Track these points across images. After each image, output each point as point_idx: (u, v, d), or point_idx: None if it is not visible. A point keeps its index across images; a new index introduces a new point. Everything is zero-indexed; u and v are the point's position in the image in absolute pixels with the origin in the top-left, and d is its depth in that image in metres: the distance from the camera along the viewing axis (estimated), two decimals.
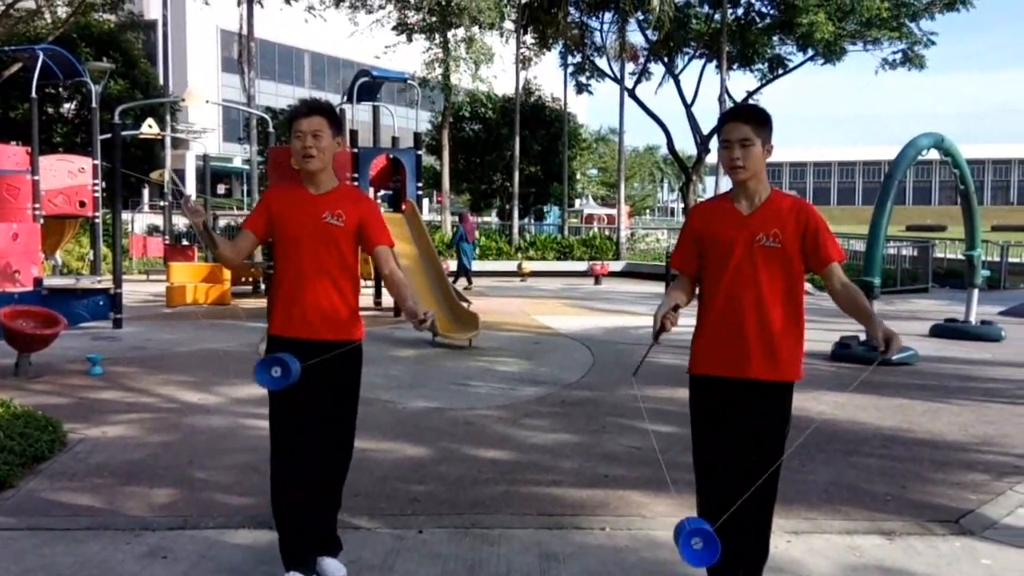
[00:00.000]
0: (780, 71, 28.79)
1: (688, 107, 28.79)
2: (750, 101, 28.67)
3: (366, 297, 13.80)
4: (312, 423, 3.46)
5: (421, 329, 3.49)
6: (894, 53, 26.91)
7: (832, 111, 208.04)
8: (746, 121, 3.11)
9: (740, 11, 27.60)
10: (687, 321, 3.14)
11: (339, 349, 3.43)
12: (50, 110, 26.85)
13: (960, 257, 15.93)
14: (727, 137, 3.11)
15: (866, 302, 3.20)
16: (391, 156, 13.23)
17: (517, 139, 27.47)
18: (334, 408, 3.51)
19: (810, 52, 27.33)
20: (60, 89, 26.20)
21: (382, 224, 3.59)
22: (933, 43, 26.39)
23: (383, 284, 4.45)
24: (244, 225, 3.58)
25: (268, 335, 3.55)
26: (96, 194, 11.40)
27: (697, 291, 3.27)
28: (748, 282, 3.07)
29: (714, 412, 3.15)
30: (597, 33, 29.31)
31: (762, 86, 29.13)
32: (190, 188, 43.46)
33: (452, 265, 19.93)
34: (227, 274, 14.69)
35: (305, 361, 3.31)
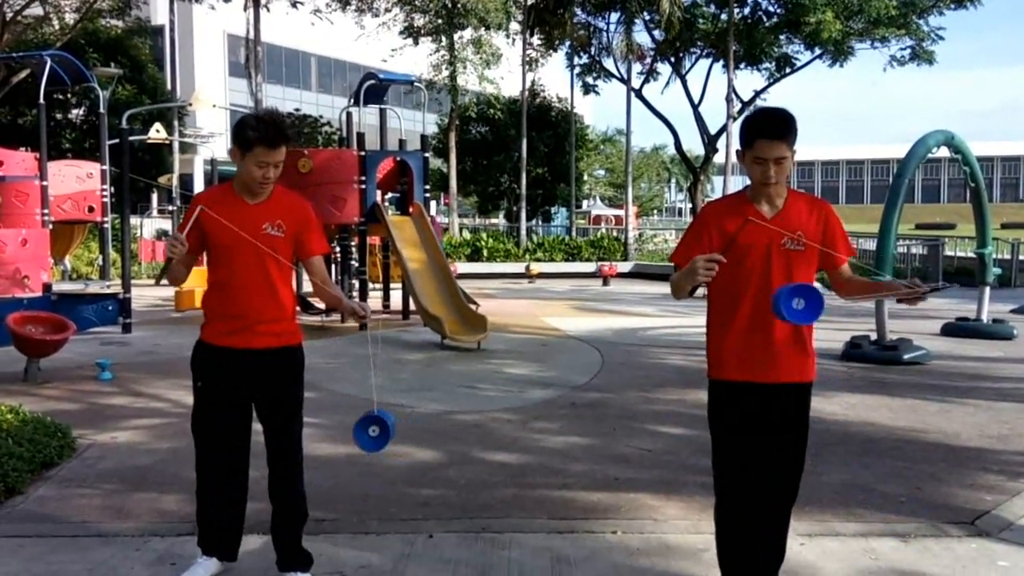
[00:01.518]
0: (787, 70, 28.70)
1: (695, 107, 28.74)
2: (757, 101, 28.62)
3: (374, 300, 13.79)
4: (243, 435, 3.52)
5: (360, 323, 3.54)
6: (902, 50, 26.84)
7: (839, 109, 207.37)
8: (783, 139, 2.99)
9: (747, 10, 27.53)
10: (692, 321, 3.10)
11: (278, 355, 3.45)
12: (58, 116, 26.98)
13: (971, 255, 15.85)
14: (762, 155, 2.99)
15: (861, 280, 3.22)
16: (398, 159, 13.22)
17: (524, 140, 27.45)
18: (280, 419, 3.51)
19: (817, 51, 27.24)
20: (68, 95, 26.33)
21: (319, 232, 3.57)
22: (941, 39, 26.33)
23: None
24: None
25: (199, 341, 3.52)
26: (105, 199, 11.42)
27: (705, 292, 3.20)
28: (775, 286, 2.98)
29: (742, 417, 3.09)
30: (603, 34, 29.28)
31: (769, 85, 29.06)
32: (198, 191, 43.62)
33: (460, 268, 19.93)
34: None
35: (244, 369, 3.38)
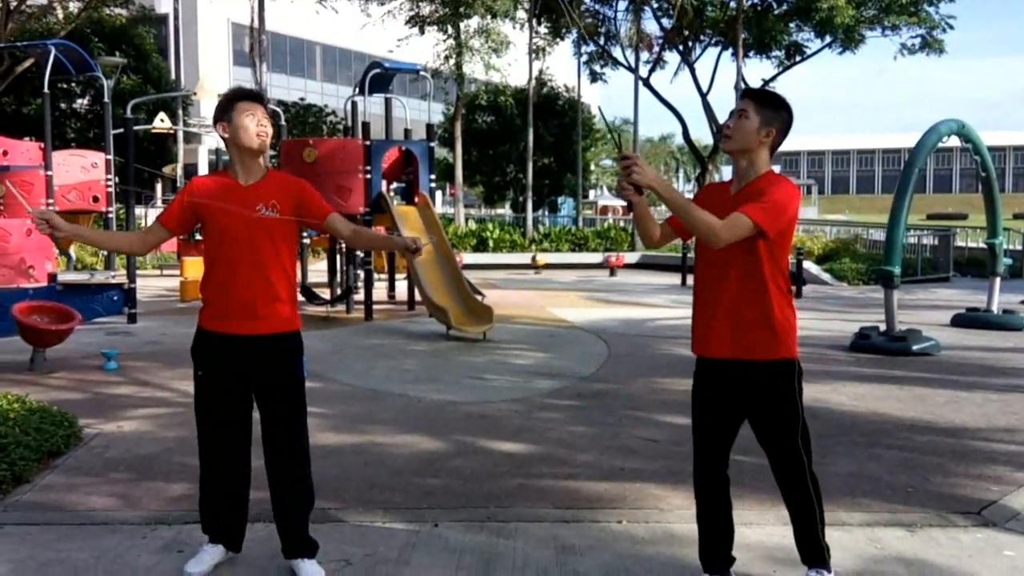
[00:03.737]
0: (798, 58, 28.52)
1: (704, 96, 28.58)
2: (767, 88, 28.47)
3: (379, 291, 13.79)
4: (244, 423, 3.53)
5: (415, 256, 3.56)
6: (912, 38, 26.64)
7: (849, 98, 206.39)
8: (750, 96, 3.21)
9: None
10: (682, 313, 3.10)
11: (275, 340, 3.43)
12: (63, 105, 27.00)
13: (981, 245, 15.77)
14: (732, 111, 3.24)
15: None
16: (404, 148, 13.19)
17: (531, 130, 27.36)
18: (278, 405, 3.49)
19: (828, 39, 27.06)
20: (73, 85, 26.34)
21: (319, 198, 3.56)
22: (952, 27, 26.11)
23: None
24: (159, 219, 3.54)
25: (198, 328, 3.52)
26: (109, 189, 11.41)
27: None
28: (720, 263, 3.14)
29: (704, 389, 3.31)
30: (611, 22, 29.14)
31: (779, 73, 28.89)
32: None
33: (466, 258, 19.90)
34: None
35: (243, 356, 3.38)
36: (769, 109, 3.15)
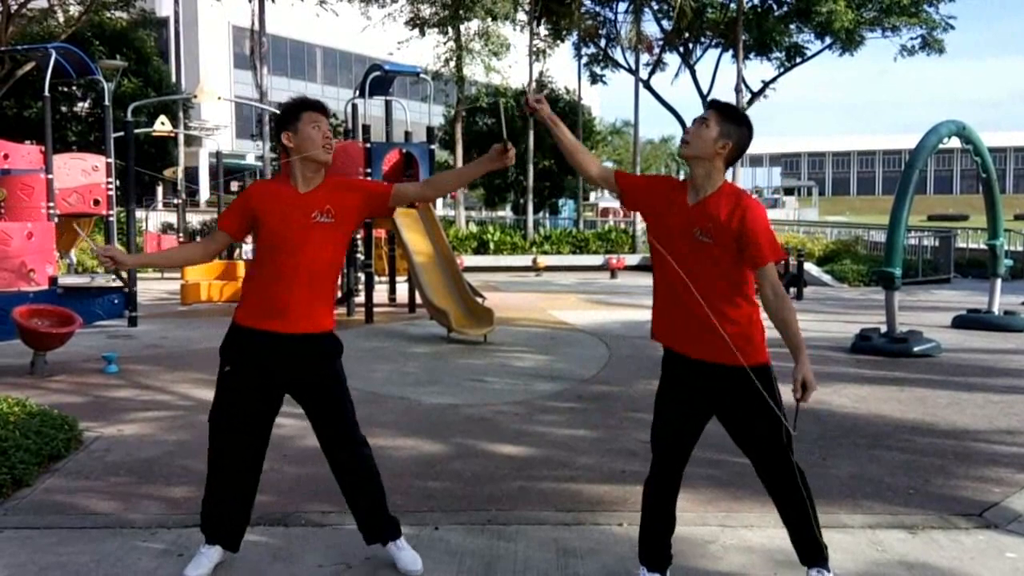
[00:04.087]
0: (798, 59, 28.54)
1: (704, 97, 28.55)
2: (767, 91, 28.48)
3: (380, 293, 13.79)
4: (268, 423, 3.56)
5: (505, 158, 3.52)
6: (912, 39, 26.66)
7: (850, 99, 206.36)
8: (715, 108, 3.26)
9: None
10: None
11: (313, 340, 3.45)
12: (64, 109, 27.02)
13: (982, 246, 15.76)
14: (695, 119, 3.30)
15: (797, 330, 3.19)
16: (404, 151, 13.19)
17: (531, 132, 27.37)
18: (333, 402, 3.52)
19: (828, 40, 27.07)
20: (74, 88, 26.36)
21: (373, 183, 3.61)
22: (952, 27, 26.15)
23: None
24: (220, 225, 3.57)
25: (233, 324, 3.51)
26: (110, 192, 11.42)
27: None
28: (692, 269, 3.18)
29: (668, 379, 3.38)
30: (612, 24, 29.15)
31: (779, 75, 28.90)
32: (203, 185, 43.69)
33: (467, 260, 19.90)
34: (241, 271, 14.72)
35: (278, 353, 3.40)
36: (731, 123, 3.19)
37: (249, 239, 3.89)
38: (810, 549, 3.34)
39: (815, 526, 3.32)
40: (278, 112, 3.54)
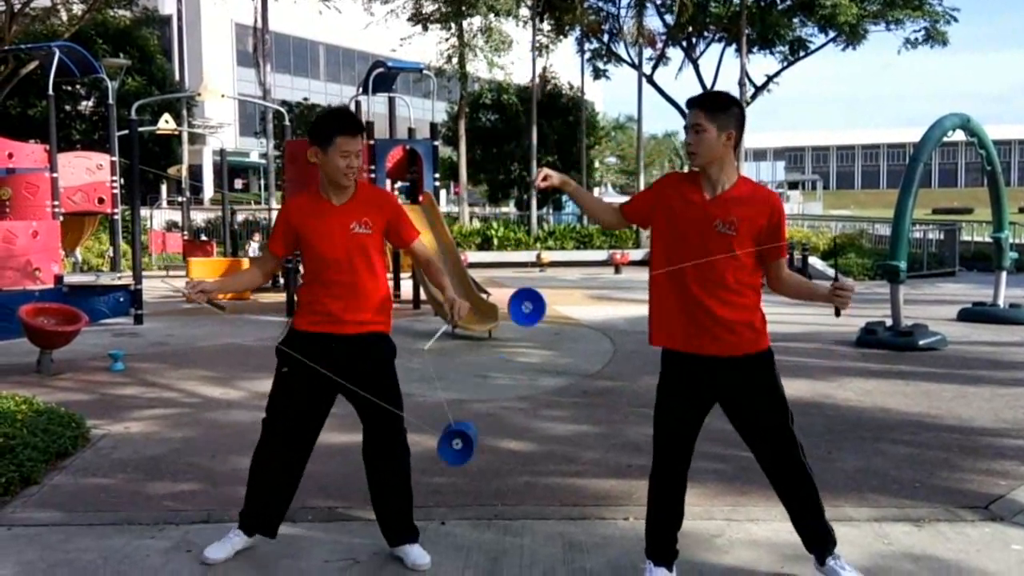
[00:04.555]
0: (801, 53, 28.46)
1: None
2: (771, 85, 28.41)
3: None
4: (318, 421, 3.68)
5: (448, 321, 3.64)
6: (916, 31, 26.57)
7: (854, 93, 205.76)
8: (699, 107, 3.18)
9: None
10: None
11: (365, 340, 3.55)
12: (68, 108, 27.04)
13: (987, 240, 15.72)
14: (687, 124, 3.22)
15: (811, 284, 3.37)
16: (408, 147, 13.20)
17: (534, 128, 27.35)
18: (377, 400, 3.59)
19: (832, 34, 26.99)
20: (78, 87, 26.40)
21: (408, 220, 3.68)
22: (955, 19, 26.05)
23: (422, 273, 4.83)
24: (269, 247, 3.71)
25: (291, 330, 3.64)
26: (115, 190, 11.43)
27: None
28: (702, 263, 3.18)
29: (673, 381, 3.35)
30: (614, 19, 29.08)
31: (783, 69, 28.83)
32: (207, 183, 43.72)
33: (471, 256, 19.90)
34: (245, 268, 14.75)
35: (333, 352, 3.50)
36: (721, 113, 3.16)
37: (256, 239, 3.92)
38: (821, 537, 3.36)
39: (823, 513, 3.36)
40: (313, 121, 3.60)
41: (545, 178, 3.44)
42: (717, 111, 3.16)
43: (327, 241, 3.49)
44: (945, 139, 10.08)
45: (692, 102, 3.23)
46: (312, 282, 3.59)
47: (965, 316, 11.28)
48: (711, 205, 3.17)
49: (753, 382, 3.24)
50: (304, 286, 3.66)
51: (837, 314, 3.24)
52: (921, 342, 9.02)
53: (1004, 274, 11.44)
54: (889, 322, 9.48)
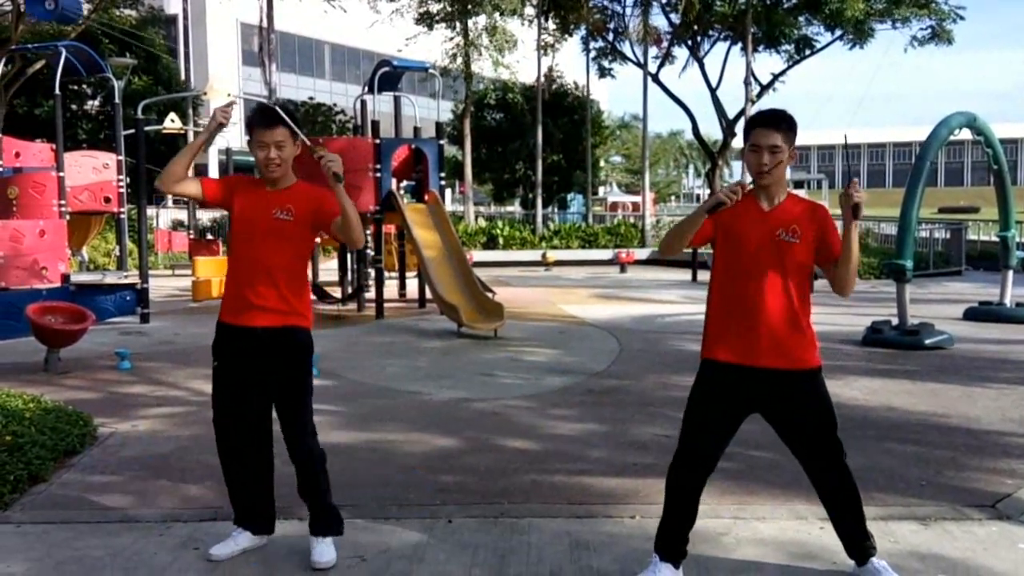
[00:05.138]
0: (807, 52, 28.38)
1: (713, 91, 28.47)
2: (776, 84, 28.36)
3: (390, 289, 13.81)
4: (256, 411, 3.66)
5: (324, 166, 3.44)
6: (922, 30, 26.46)
7: (859, 92, 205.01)
8: (777, 128, 3.22)
9: None
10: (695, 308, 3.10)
11: (282, 335, 3.56)
12: (74, 107, 27.11)
13: (994, 239, 15.67)
14: (757, 143, 3.23)
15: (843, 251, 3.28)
16: (413, 146, 13.21)
17: (540, 127, 27.34)
18: (285, 395, 3.62)
19: (838, 32, 26.92)
20: (84, 86, 26.47)
21: (332, 201, 3.61)
22: (962, 18, 25.92)
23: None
24: (202, 178, 3.76)
25: (217, 322, 3.68)
26: (121, 190, 11.48)
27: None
28: (768, 274, 3.23)
29: (719, 392, 3.34)
30: (620, 17, 29.03)
31: (788, 68, 28.75)
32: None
33: (476, 256, 19.90)
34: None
35: (250, 347, 3.54)
36: (792, 134, 3.24)
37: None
38: (862, 540, 3.40)
39: (864, 517, 3.42)
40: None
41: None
42: (791, 132, 3.23)
43: (249, 221, 3.56)
44: (951, 138, 10.05)
45: (768, 122, 3.23)
46: (232, 266, 3.64)
47: (971, 315, 11.25)
48: (771, 217, 3.25)
49: (805, 397, 3.28)
50: (228, 274, 3.67)
51: (856, 215, 3.21)
52: (927, 341, 9.00)
53: (1011, 273, 11.41)
54: (895, 321, 9.46)
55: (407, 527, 4.03)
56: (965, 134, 10.36)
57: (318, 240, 16.16)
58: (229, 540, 3.70)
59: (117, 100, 11.51)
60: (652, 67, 28.11)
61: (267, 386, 3.61)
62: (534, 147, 27.80)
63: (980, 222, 24.04)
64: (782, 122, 3.23)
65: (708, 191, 38.10)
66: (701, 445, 3.31)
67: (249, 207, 3.59)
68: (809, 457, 3.36)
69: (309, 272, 3.77)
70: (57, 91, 10.36)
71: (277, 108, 3.60)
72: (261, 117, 3.54)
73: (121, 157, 11.46)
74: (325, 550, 3.60)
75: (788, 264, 3.22)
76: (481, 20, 27.66)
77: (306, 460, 3.65)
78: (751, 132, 3.25)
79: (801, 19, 27.51)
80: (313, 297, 12.88)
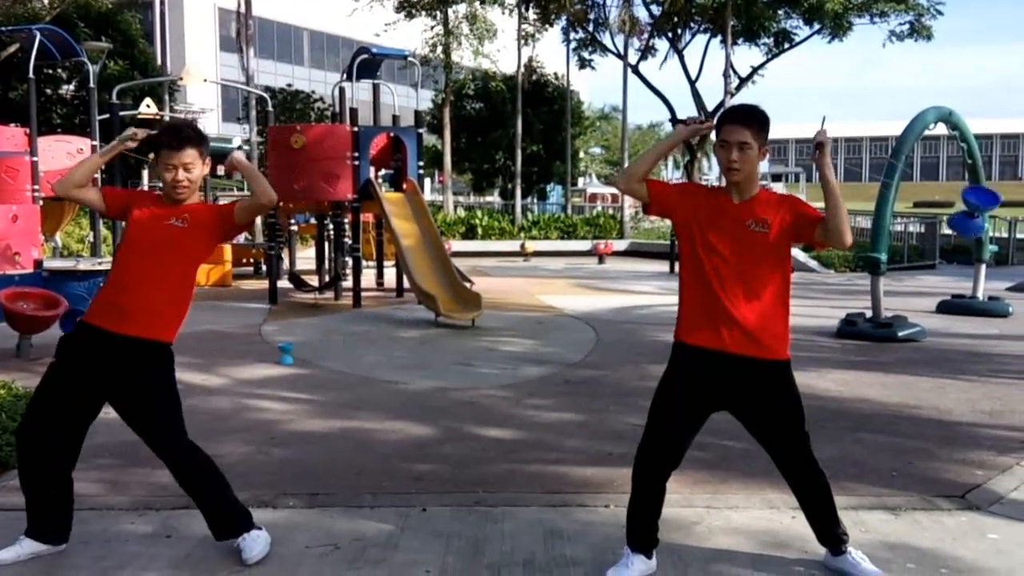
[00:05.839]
0: (786, 45, 28.50)
1: (692, 83, 28.55)
2: (755, 77, 28.47)
3: (367, 278, 13.76)
4: (82, 416, 3.50)
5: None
6: (901, 24, 26.66)
7: (836, 86, 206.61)
8: (747, 125, 3.19)
9: None
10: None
11: (142, 346, 3.44)
12: (49, 91, 26.71)
13: None
14: (726, 138, 3.22)
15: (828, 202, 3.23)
16: (392, 135, 13.14)
17: (519, 117, 27.30)
18: (147, 404, 3.50)
19: (817, 26, 27.05)
20: (59, 70, 26.09)
21: (229, 205, 3.65)
22: (941, 13, 26.12)
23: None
24: (104, 188, 3.74)
25: (79, 321, 3.58)
26: (95, 175, 11.32)
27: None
28: (736, 263, 3.23)
29: (688, 379, 3.36)
30: (601, 8, 29.01)
31: (767, 61, 28.88)
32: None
33: (455, 245, 19.86)
34: (228, 255, 14.67)
35: (109, 351, 3.41)
36: (763, 130, 3.22)
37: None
38: (834, 529, 3.42)
39: (835, 506, 3.44)
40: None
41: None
42: (763, 127, 3.21)
43: (139, 225, 3.51)
44: (927, 132, 10.15)
45: (737, 118, 3.21)
46: (117, 268, 3.56)
47: (944, 308, 11.38)
48: (742, 207, 3.25)
49: (772, 390, 3.30)
50: (110, 273, 3.62)
51: (821, 150, 3.23)
52: (900, 334, 9.10)
53: (983, 267, 11.55)
54: (869, 313, 9.55)
55: (381, 515, 4.02)
56: (941, 129, 10.46)
57: (295, 228, 16.08)
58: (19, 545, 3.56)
59: (92, 84, 11.34)
60: (632, 59, 28.15)
61: (116, 399, 3.49)
62: (514, 137, 27.77)
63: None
64: (752, 119, 3.20)
65: (687, 183, 38.25)
66: (667, 433, 3.32)
67: (146, 215, 3.53)
68: (778, 450, 3.38)
69: (193, 289, 3.69)
70: (31, 75, 10.19)
71: (188, 127, 3.61)
72: (170, 138, 3.48)
73: (96, 142, 11.31)
74: (247, 544, 3.51)
75: (758, 254, 3.22)
76: (461, 8, 27.53)
77: (190, 474, 3.57)
78: (721, 128, 3.23)
79: (780, 12, 27.63)
80: (290, 285, 12.82)
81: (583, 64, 30.67)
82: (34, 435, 3.49)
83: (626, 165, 3.51)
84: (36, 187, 10.03)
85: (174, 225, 3.48)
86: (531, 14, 29.01)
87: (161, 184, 3.55)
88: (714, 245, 3.24)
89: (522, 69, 28.19)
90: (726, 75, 25.86)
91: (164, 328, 3.49)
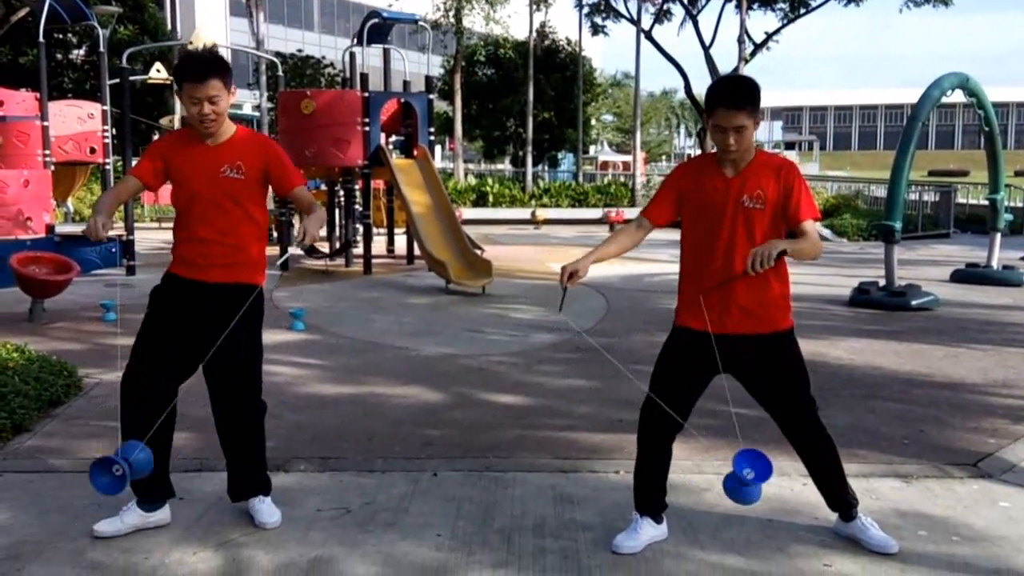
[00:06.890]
0: (802, 11, 28.10)
1: (706, 49, 28.21)
2: (770, 43, 28.07)
3: (378, 245, 13.74)
4: (190, 358, 3.48)
5: (299, 246, 3.46)
6: None
7: (852, 52, 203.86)
8: (740, 108, 3.06)
9: None
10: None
11: (236, 291, 3.39)
12: (59, 56, 26.66)
13: (983, 202, 15.69)
14: (721, 123, 3.09)
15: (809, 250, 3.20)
16: (403, 101, 13.04)
17: (531, 83, 27.07)
18: (232, 349, 3.42)
19: None
20: (69, 35, 26.01)
21: (289, 166, 3.50)
22: None
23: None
24: (131, 172, 3.55)
25: (166, 273, 3.54)
26: (106, 140, 11.32)
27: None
28: (737, 241, 3.18)
29: (687, 357, 3.33)
30: None
31: (783, 26, 28.49)
32: None
33: (466, 213, 19.81)
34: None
35: (202, 302, 3.38)
36: (756, 104, 3.11)
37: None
38: (844, 495, 3.41)
39: (843, 472, 3.43)
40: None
41: (572, 276, 3.57)
42: (755, 107, 3.10)
43: (194, 180, 3.36)
44: (943, 100, 9.98)
45: (730, 102, 3.06)
46: (180, 228, 3.48)
47: (958, 277, 11.30)
48: (735, 183, 3.17)
49: (777, 359, 3.28)
50: (176, 230, 3.53)
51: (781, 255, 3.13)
52: (914, 302, 9.04)
53: (998, 236, 11.44)
54: (882, 282, 9.49)
55: (393, 480, 4.04)
56: (957, 96, 10.29)
57: None
58: (115, 518, 3.52)
59: (102, 49, 11.28)
60: (646, 24, 27.82)
61: (209, 344, 3.41)
62: (525, 104, 27.56)
63: (969, 185, 24.08)
64: (744, 101, 3.06)
65: (700, 151, 37.94)
66: (670, 397, 3.31)
67: (191, 166, 3.36)
68: (783, 415, 3.36)
69: (260, 225, 3.55)
70: (41, 39, 10.14)
71: (208, 55, 3.37)
72: (191, 70, 3.25)
73: (106, 107, 11.28)
74: (269, 509, 3.53)
75: (755, 231, 3.16)
76: None
77: (250, 421, 3.58)
78: (714, 110, 3.10)
79: None
80: (301, 252, 12.82)
81: (596, 30, 30.34)
82: (140, 383, 3.51)
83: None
84: (47, 152, 10.02)
85: (230, 177, 3.34)
86: None
87: (190, 120, 3.35)
88: (710, 226, 3.20)
89: (534, 35, 27.90)
90: (740, 41, 25.53)
91: (255, 271, 3.47)
